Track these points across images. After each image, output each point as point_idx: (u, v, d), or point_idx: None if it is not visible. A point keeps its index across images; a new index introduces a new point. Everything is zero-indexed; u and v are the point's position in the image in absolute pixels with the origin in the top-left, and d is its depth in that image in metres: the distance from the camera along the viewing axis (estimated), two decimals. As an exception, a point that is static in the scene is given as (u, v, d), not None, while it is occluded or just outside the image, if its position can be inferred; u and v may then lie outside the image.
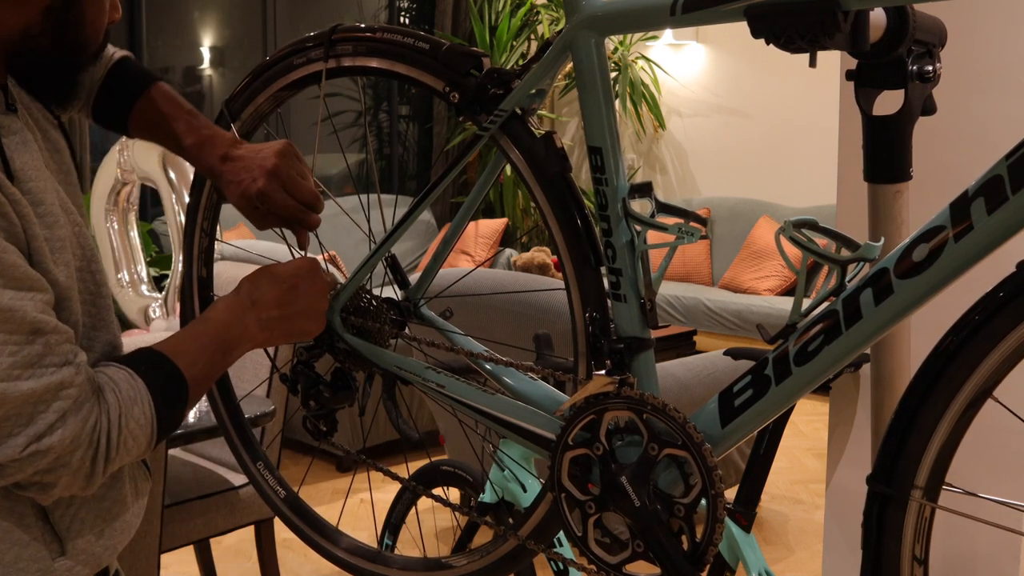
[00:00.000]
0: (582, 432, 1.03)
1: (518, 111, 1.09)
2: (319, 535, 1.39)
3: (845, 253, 0.93)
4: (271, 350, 1.47)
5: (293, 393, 1.34)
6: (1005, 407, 0.85)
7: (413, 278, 1.35)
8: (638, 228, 1.02)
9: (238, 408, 1.48)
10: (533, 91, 1.09)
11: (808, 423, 4.64)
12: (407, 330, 1.29)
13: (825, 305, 0.90)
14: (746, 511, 1.80)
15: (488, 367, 1.21)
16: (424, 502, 2.20)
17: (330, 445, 1.36)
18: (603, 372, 1.03)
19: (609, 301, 1.05)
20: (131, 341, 1.32)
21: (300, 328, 1.14)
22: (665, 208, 1.04)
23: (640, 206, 1.04)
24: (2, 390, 0.86)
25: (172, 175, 3.63)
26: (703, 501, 0.97)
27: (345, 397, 1.31)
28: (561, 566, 1.92)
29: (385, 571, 1.32)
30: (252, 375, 2.60)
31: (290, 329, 1.13)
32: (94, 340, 1.04)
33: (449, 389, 1.18)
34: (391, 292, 1.35)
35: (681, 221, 0.99)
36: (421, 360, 1.25)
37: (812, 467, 4.11)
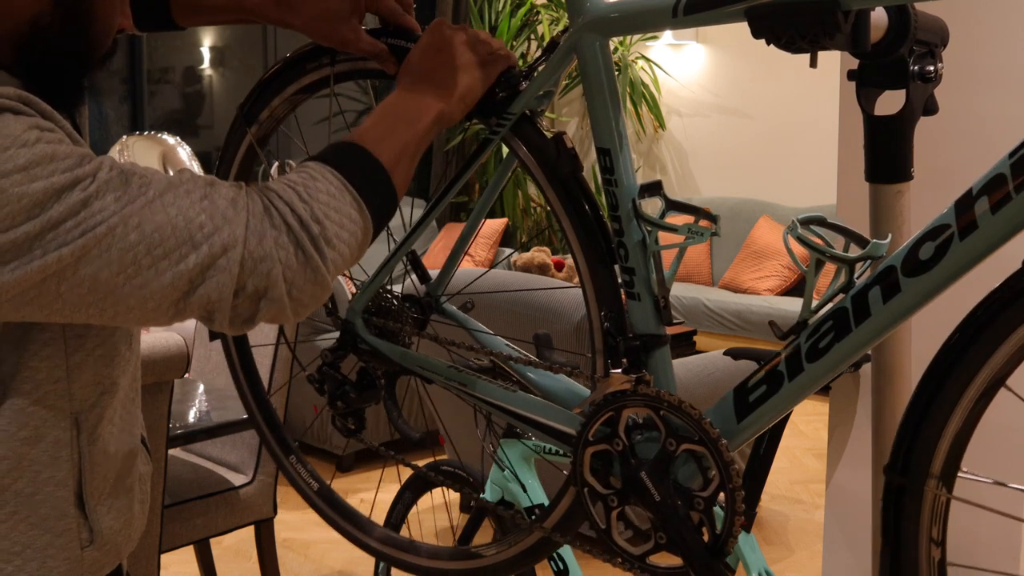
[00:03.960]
0: (602, 428, 1.05)
1: (527, 113, 1.10)
2: (353, 526, 1.43)
3: (853, 250, 0.94)
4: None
5: (320, 394, 1.36)
6: (1019, 396, 0.85)
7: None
8: (649, 229, 1.03)
9: (268, 404, 1.51)
10: (540, 93, 1.10)
11: (808, 423, 4.64)
12: (429, 327, 1.32)
13: (834, 302, 0.91)
14: (746, 511, 1.80)
15: (511, 363, 1.23)
16: (424, 502, 2.20)
17: (357, 440, 1.39)
18: (620, 370, 1.04)
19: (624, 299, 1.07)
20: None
21: (466, 83, 1.07)
22: (675, 206, 1.04)
23: (651, 205, 1.05)
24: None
25: (172, 174, 3.62)
26: (721, 494, 0.98)
27: (371, 396, 1.33)
28: (561, 565, 1.92)
29: (415, 559, 1.36)
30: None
31: (460, 83, 1.06)
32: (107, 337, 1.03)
33: (471, 388, 1.20)
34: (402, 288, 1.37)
35: (691, 220, 1.00)
36: (442, 355, 1.27)
37: (812, 467, 4.12)
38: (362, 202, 0.93)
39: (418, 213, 1.30)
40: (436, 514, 3.46)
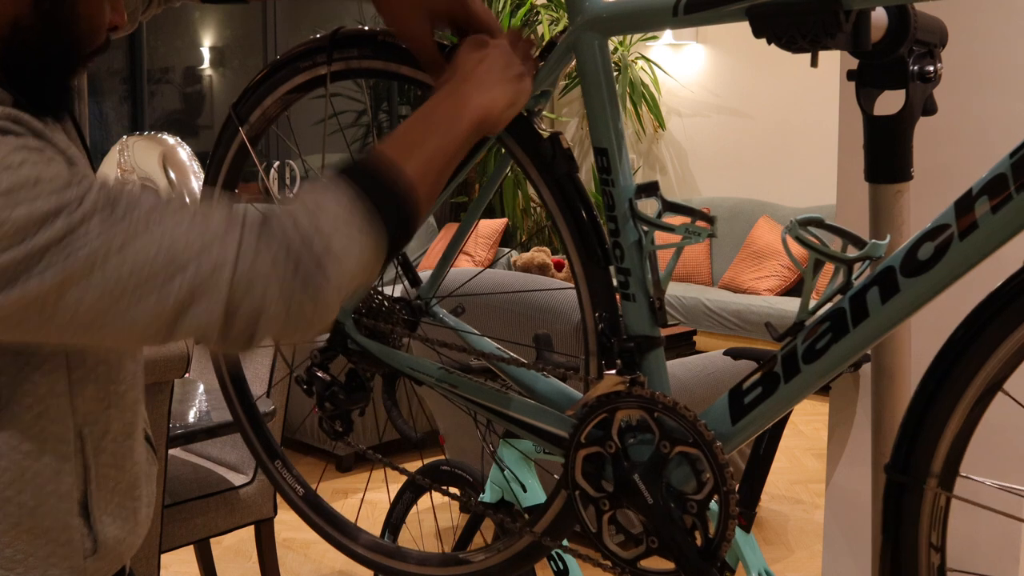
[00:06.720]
0: (595, 430, 1.04)
1: (524, 113, 1.10)
2: (338, 532, 1.41)
3: (852, 251, 0.93)
4: (278, 351, 1.48)
5: (308, 395, 1.35)
6: (1016, 400, 0.85)
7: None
8: (645, 228, 1.03)
9: (254, 407, 1.49)
10: (538, 92, 1.10)
11: (808, 423, 4.64)
12: (419, 329, 1.30)
13: (832, 303, 0.91)
14: (746, 511, 1.80)
15: (502, 366, 1.22)
16: (423, 502, 2.20)
17: (344, 443, 1.38)
18: (614, 371, 1.04)
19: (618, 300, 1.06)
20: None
21: (514, 91, 1.01)
22: (672, 207, 1.04)
23: (647, 206, 1.04)
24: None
25: (172, 175, 3.63)
26: (715, 498, 0.97)
27: (360, 398, 1.32)
28: (561, 566, 1.92)
29: (403, 566, 1.34)
30: (252, 375, 2.60)
31: (509, 90, 1.00)
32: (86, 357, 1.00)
33: (462, 390, 1.19)
34: (395, 290, 1.36)
35: (688, 220, 1.00)
36: (432, 358, 1.26)
37: (812, 467, 4.12)
38: (377, 217, 0.86)
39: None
40: (436, 514, 3.46)
